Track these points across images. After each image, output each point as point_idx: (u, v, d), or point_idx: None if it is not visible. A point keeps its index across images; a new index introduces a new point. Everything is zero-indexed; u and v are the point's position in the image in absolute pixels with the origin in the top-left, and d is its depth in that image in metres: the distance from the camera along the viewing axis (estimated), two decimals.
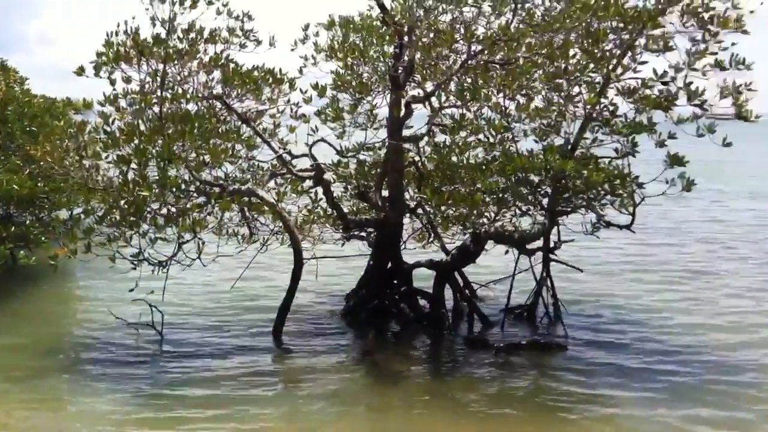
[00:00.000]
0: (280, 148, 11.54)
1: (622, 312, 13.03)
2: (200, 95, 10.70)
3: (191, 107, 10.58)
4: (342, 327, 12.40)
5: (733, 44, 9.66)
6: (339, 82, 11.36)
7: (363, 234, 13.11)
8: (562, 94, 10.47)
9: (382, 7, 10.85)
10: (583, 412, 9.05)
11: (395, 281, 12.85)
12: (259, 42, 11.13)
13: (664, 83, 9.94)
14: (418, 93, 11.17)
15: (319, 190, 11.89)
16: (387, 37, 11.08)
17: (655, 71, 9.93)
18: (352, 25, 11.53)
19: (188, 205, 10.32)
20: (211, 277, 14.58)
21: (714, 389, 9.56)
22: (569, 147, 10.90)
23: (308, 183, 11.82)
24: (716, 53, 9.68)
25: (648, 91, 10.04)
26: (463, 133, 11.06)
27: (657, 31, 9.70)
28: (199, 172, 10.36)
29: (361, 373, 10.51)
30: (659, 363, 10.54)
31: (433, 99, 11.08)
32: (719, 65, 9.63)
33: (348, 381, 10.12)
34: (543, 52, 9.78)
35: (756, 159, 50.94)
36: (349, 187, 12.50)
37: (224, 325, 12.29)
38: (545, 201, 11.41)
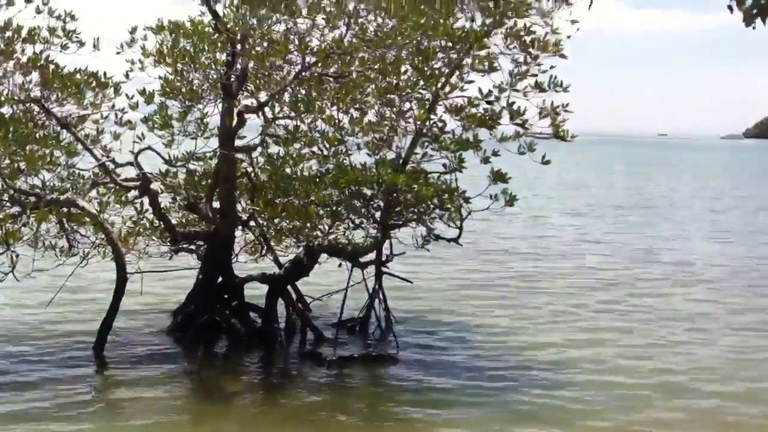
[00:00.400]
0: (103, 155, 10.92)
1: (453, 326, 13.36)
2: (16, 98, 10.02)
3: (6, 110, 9.94)
4: (169, 345, 11.85)
5: (552, 67, 10.28)
6: (168, 89, 10.91)
7: (192, 247, 12.66)
8: (394, 109, 10.67)
9: (214, 13, 10.58)
10: (413, 423, 9.18)
11: (226, 296, 12.50)
12: (82, 43, 10.62)
13: (489, 102, 10.39)
14: (252, 103, 10.97)
15: (145, 200, 11.35)
16: (219, 45, 10.81)
17: (480, 90, 10.36)
18: (182, 30, 11.15)
19: (1, 216, 9.64)
20: (24, 295, 13.47)
21: (543, 403, 9.71)
22: (401, 161, 11.10)
23: (133, 193, 11.27)
24: (536, 75, 10.24)
25: (474, 110, 10.44)
26: (296, 145, 10.97)
27: (483, 52, 10.12)
28: (13, 180, 9.67)
29: (188, 393, 10.10)
30: (488, 378, 10.71)
31: (267, 109, 10.91)
32: (539, 87, 10.20)
33: (174, 401, 9.65)
34: (376, 67, 9.93)
35: (573, 176, 54.63)
36: (177, 197, 12.02)
37: (37, 349, 11.29)
38: (378, 214, 11.55)
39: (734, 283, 17.76)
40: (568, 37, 10.19)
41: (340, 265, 12.41)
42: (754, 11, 7.06)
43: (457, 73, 10.44)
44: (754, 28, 6.99)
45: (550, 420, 9.19)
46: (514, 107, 10.34)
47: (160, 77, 11.11)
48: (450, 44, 10.10)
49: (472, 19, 10.18)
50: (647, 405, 9.73)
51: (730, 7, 6.89)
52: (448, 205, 11.17)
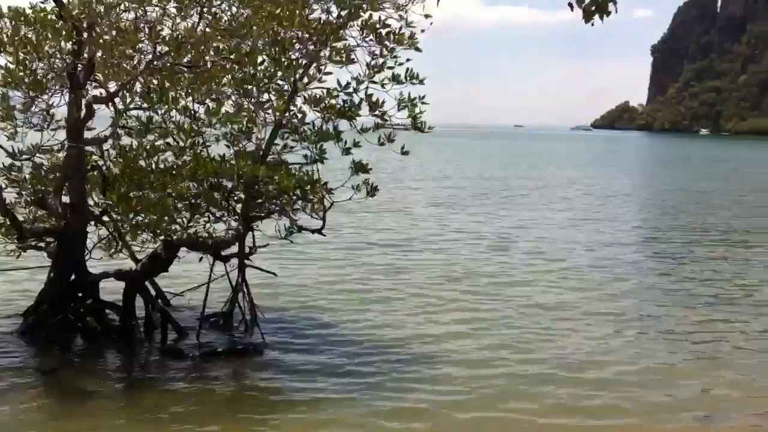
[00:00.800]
0: None
1: (320, 318, 13.34)
2: None
3: None
4: (21, 347, 11.18)
5: (407, 60, 10.52)
6: (9, 79, 10.28)
7: (42, 244, 12.01)
8: (252, 100, 10.57)
9: (57, 0, 10.05)
10: (282, 413, 9.16)
11: (80, 294, 11.96)
12: None
13: (348, 94, 10.51)
14: (101, 93, 10.54)
15: None
16: (64, 33, 10.28)
17: (339, 82, 10.47)
18: (23, 18, 10.51)
19: None
20: None
21: (410, 397, 9.79)
22: (261, 153, 11.02)
23: None
24: (393, 67, 10.46)
25: (333, 101, 10.53)
26: (150, 137, 10.64)
27: (340, 44, 10.22)
28: None
29: (44, 396, 9.60)
30: (356, 363, 10.87)
31: (117, 100, 10.51)
32: (396, 79, 10.42)
33: (29, 405, 9.15)
34: (231, 57, 9.79)
35: (433, 167, 55.98)
36: (24, 193, 11.36)
37: None
38: (239, 207, 11.41)
39: (592, 270, 18.68)
40: (423, 30, 10.46)
41: (201, 259, 12.19)
42: (593, 8, 7.52)
43: (315, 64, 10.48)
44: (592, 24, 7.43)
45: (417, 413, 9.29)
46: (373, 99, 10.52)
47: (0, 66, 10.46)
48: (307, 35, 10.12)
49: (328, 11, 10.25)
50: (514, 395, 9.94)
51: (570, 5, 7.31)
52: (311, 196, 11.20)
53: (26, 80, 10.26)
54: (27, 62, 10.36)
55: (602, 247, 22.09)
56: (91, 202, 11.72)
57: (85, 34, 9.94)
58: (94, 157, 11.61)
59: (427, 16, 10.23)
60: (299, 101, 10.73)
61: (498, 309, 14.31)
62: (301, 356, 11.25)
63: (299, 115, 10.87)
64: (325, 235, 11.89)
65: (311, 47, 10.30)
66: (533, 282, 16.75)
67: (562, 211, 31.29)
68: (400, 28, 10.44)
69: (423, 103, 10.73)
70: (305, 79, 10.48)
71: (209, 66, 9.85)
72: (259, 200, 11.35)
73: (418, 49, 10.61)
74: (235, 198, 11.37)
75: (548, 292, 15.85)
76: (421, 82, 10.58)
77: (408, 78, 10.46)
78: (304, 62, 10.47)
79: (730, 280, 17.75)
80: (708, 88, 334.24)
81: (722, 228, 26.83)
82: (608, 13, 7.30)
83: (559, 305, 14.65)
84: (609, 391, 10.15)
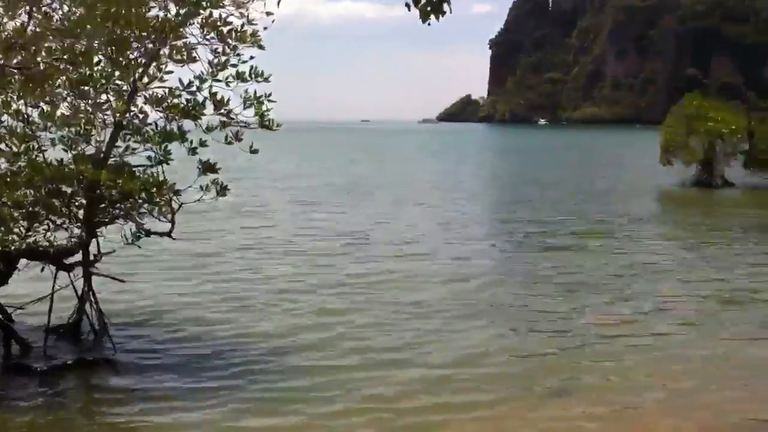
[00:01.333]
0: None
1: (173, 324, 13.00)
2: None
3: None
4: None
5: (251, 57, 10.51)
6: None
7: None
8: (89, 101, 10.20)
9: None
10: (135, 422, 8.96)
11: None
12: None
13: (191, 93, 10.36)
14: None
15: None
16: None
17: (181, 81, 10.30)
18: None
19: None
20: None
21: (268, 396, 9.80)
22: (101, 156, 10.66)
23: None
24: (237, 65, 10.41)
25: (176, 100, 10.35)
26: None
27: (180, 42, 10.06)
28: None
29: None
30: (210, 377, 10.61)
31: None
32: (240, 77, 10.39)
33: None
34: (65, 57, 9.41)
35: (283, 164, 55.84)
36: None
37: None
38: (81, 213, 10.98)
39: (442, 263, 19.37)
40: (265, 28, 10.49)
41: (43, 269, 11.62)
42: (429, 9, 7.89)
43: (155, 63, 10.26)
44: (428, 24, 7.81)
45: (276, 411, 9.32)
46: (218, 97, 10.44)
47: None
48: (145, 34, 9.89)
49: (166, 8, 10.07)
50: (373, 383, 10.16)
51: (407, 5, 7.64)
52: (158, 199, 10.96)
53: None
54: None
55: (453, 240, 22.64)
56: None
57: None
58: None
59: (268, 13, 10.26)
60: (140, 101, 10.47)
61: (355, 307, 14.36)
62: (154, 363, 10.99)
63: (141, 116, 10.60)
64: (174, 239, 11.65)
65: (150, 46, 10.07)
66: (389, 280, 16.59)
67: (414, 205, 31.77)
68: (242, 26, 10.42)
69: (270, 101, 10.74)
70: (145, 79, 10.24)
71: (42, 67, 9.40)
72: (102, 205, 10.97)
73: (261, 47, 10.63)
74: (77, 204, 10.93)
75: (406, 289, 15.75)
76: (266, 79, 10.60)
77: (253, 76, 10.45)
78: (143, 61, 10.23)
79: (572, 266, 18.47)
80: (544, 80, 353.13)
81: (567, 217, 28.23)
82: (443, 13, 7.70)
83: (417, 302, 14.57)
84: (465, 381, 10.43)
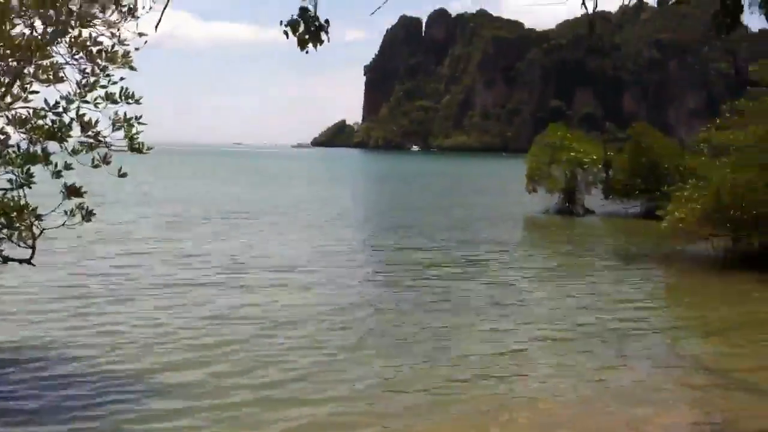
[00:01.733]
0: None
1: (31, 352, 12.31)
2: None
3: None
4: None
5: (121, 78, 10.21)
6: None
7: None
8: None
9: None
10: None
11: None
12: None
13: (57, 114, 9.93)
14: None
15: None
16: None
17: (46, 101, 9.86)
18: None
19: None
20: None
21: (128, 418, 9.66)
22: None
23: None
24: (106, 86, 10.07)
25: (41, 121, 9.89)
26: None
27: (46, 61, 9.63)
28: None
29: None
30: (74, 398, 10.34)
31: None
32: (110, 98, 10.06)
33: None
34: None
35: (155, 188, 54.24)
36: None
37: None
38: None
39: (318, 285, 19.39)
40: (137, 49, 10.22)
41: None
42: (306, 37, 8.00)
43: (19, 82, 9.77)
44: (306, 52, 7.90)
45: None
46: (85, 119, 10.06)
47: None
48: (8, 51, 9.41)
49: (32, 26, 9.63)
50: (259, 423, 9.85)
51: (286, 33, 7.70)
52: (18, 224, 10.40)
53: None
54: None
55: (331, 263, 22.79)
56: None
57: None
58: None
59: (141, 34, 10.00)
60: (1, 122, 9.92)
61: (229, 330, 14.17)
62: (13, 407, 10.27)
63: (1, 137, 10.04)
64: (35, 265, 11.09)
65: (14, 64, 9.58)
66: (266, 312, 15.94)
67: (289, 232, 31.39)
68: (113, 46, 10.11)
69: (140, 123, 10.44)
70: (8, 98, 9.72)
71: None
72: None
73: (132, 68, 10.34)
74: None
75: (286, 321, 15.17)
76: (137, 101, 10.32)
77: (123, 97, 10.14)
78: (5, 80, 9.71)
79: (449, 287, 19.18)
80: (417, 108, 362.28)
81: (440, 244, 28.73)
82: (321, 42, 7.81)
83: (298, 336, 14.13)
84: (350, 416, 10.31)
